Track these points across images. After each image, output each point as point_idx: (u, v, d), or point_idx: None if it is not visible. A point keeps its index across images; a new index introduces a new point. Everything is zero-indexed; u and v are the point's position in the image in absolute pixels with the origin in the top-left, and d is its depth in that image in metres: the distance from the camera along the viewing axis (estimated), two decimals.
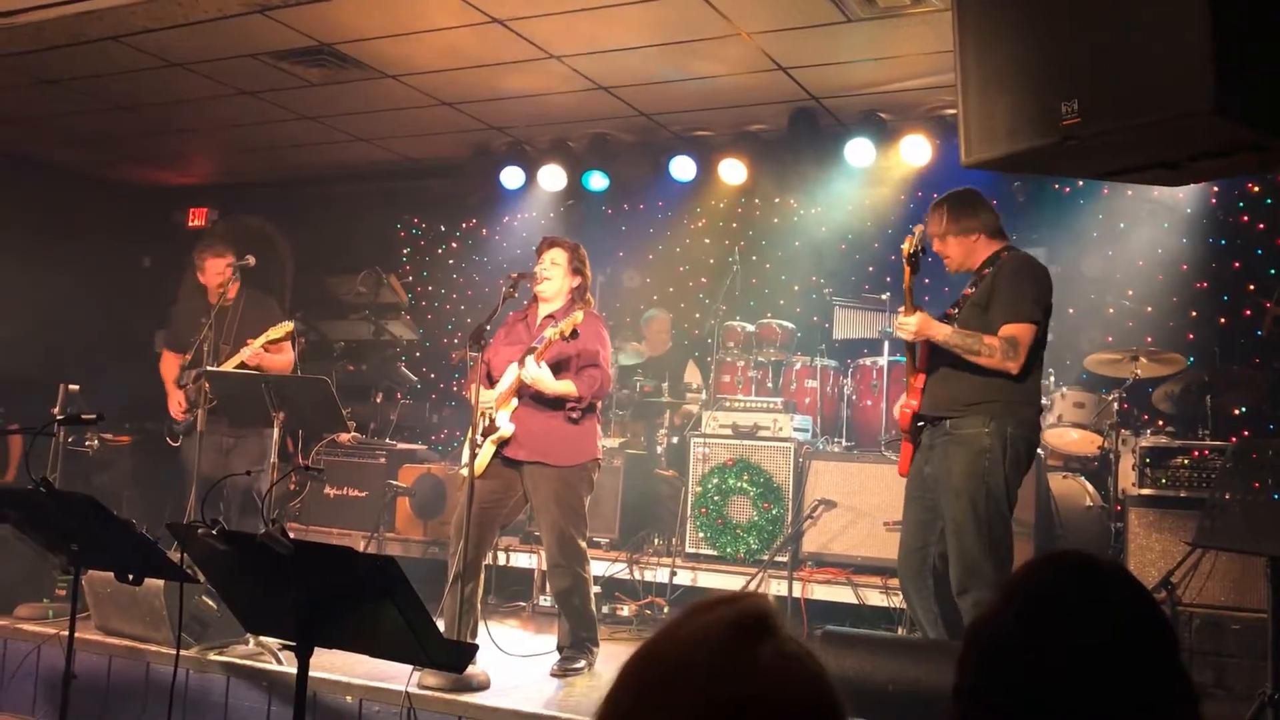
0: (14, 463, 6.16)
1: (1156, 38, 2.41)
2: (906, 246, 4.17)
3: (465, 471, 4.46)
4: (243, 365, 5.34)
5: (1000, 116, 2.79)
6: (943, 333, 3.99)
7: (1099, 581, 1.34)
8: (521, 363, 4.42)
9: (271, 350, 5.60)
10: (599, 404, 4.78)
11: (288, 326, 5.50)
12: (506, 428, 4.47)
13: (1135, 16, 2.47)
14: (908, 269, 4.17)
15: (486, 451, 4.50)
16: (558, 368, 4.48)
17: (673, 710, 0.99)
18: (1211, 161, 2.66)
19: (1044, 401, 5.51)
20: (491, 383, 4.62)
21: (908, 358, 4.28)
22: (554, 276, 4.69)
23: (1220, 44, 2.28)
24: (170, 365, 5.85)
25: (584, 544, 4.61)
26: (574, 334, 4.32)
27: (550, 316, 4.61)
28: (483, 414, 4.55)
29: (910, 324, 4.05)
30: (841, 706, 1.05)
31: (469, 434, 4.56)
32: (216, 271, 5.70)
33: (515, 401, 4.52)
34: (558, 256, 4.72)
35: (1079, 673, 1.26)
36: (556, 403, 4.49)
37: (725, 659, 1.01)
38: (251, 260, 5.59)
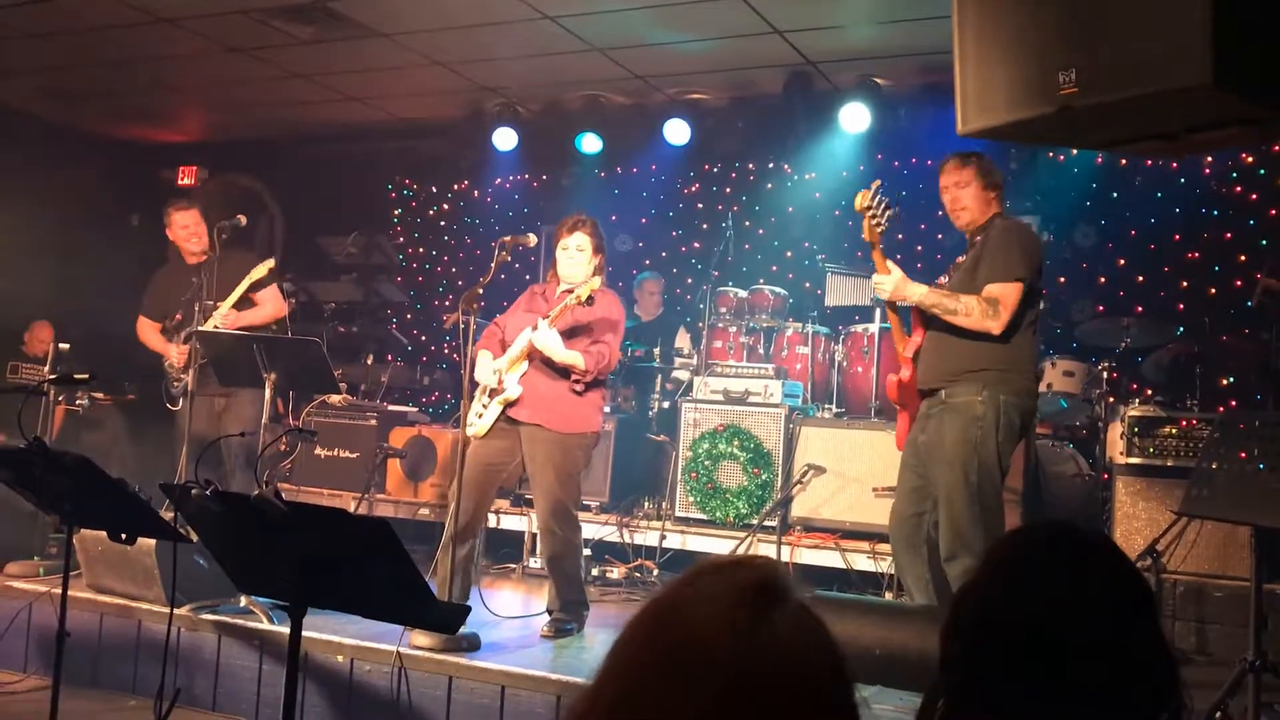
0: (58, 423, 6.10)
1: (1156, 9, 2.39)
2: (859, 200, 4.00)
3: (469, 432, 4.45)
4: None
5: (997, 85, 2.77)
6: (917, 293, 3.95)
7: (1081, 550, 1.36)
8: (535, 327, 4.42)
9: (255, 300, 5.52)
10: (605, 378, 4.72)
11: (269, 264, 5.41)
12: (513, 390, 4.46)
13: None
14: (868, 223, 4.02)
15: (492, 413, 4.50)
16: (569, 335, 4.46)
17: (691, 683, 0.97)
18: (1209, 133, 2.66)
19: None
20: (505, 350, 4.61)
21: (892, 323, 4.26)
22: (580, 262, 4.53)
23: (1219, 16, 2.26)
24: (147, 329, 5.79)
25: (576, 511, 4.63)
26: (590, 300, 4.30)
27: (569, 290, 4.50)
28: (494, 373, 4.54)
29: (886, 284, 4.01)
30: (852, 678, 1.05)
31: (477, 396, 4.56)
32: (183, 225, 5.59)
33: (525, 365, 4.51)
34: (583, 242, 4.54)
35: (1061, 639, 1.28)
36: (566, 371, 4.48)
37: (744, 631, 0.99)
38: (243, 220, 5.50)
